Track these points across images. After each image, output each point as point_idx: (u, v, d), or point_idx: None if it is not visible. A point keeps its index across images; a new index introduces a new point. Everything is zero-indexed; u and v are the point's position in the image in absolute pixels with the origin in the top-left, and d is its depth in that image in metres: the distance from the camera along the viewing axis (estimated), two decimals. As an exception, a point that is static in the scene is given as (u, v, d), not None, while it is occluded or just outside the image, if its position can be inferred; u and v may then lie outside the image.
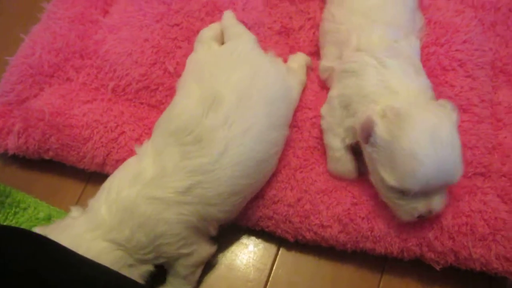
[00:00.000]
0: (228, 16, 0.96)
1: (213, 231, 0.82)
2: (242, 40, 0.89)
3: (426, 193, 0.76)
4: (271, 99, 0.83)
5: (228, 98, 0.78)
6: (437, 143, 0.73)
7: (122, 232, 0.74)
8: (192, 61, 0.89)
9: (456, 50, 0.98)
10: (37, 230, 0.76)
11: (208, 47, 0.90)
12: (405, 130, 0.74)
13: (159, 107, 0.97)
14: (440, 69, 0.97)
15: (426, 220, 0.84)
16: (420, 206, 0.77)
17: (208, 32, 0.93)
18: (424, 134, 0.73)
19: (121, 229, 0.75)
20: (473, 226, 0.84)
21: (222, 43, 0.93)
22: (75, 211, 0.80)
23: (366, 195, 0.88)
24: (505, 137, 0.93)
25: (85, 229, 0.75)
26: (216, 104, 0.78)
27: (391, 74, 0.81)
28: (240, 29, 0.94)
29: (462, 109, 0.94)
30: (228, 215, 0.82)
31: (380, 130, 0.75)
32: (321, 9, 1.03)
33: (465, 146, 0.90)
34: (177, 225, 0.76)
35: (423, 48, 0.99)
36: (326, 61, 0.93)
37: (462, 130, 0.91)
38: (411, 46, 0.87)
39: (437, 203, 0.78)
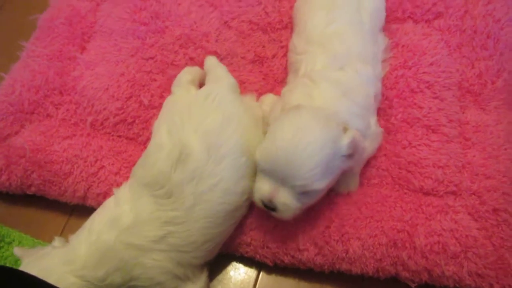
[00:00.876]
0: (211, 59, 0.99)
1: (191, 275, 0.83)
2: (219, 84, 0.90)
3: (274, 179, 0.79)
4: (241, 149, 0.82)
5: (196, 150, 0.79)
6: (296, 140, 0.76)
7: (96, 272, 0.77)
8: (168, 104, 0.91)
9: (424, 73, 1.02)
10: (16, 250, 0.81)
11: (185, 91, 0.92)
12: (283, 118, 0.80)
13: (136, 139, 0.99)
14: (408, 91, 1.01)
15: (398, 240, 0.86)
16: (264, 188, 0.79)
17: (186, 76, 0.95)
18: (292, 127, 0.77)
19: (96, 269, 0.77)
20: (445, 244, 0.87)
21: (201, 86, 0.94)
22: (57, 241, 0.83)
23: (339, 217, 0.90)
24: (474, 156, 0.95)
25: (60, 261, 0.78)
26: (184, 157, 0.79)
27: (317, 90, 0.85)
28: (221, 72, 0.94)
29: (431, 130, 0.97)
30: (203, 260, 0.84)
31: (274, 114, 0.86)
32: (293, 37, 1.06)
33: (435, 165, 0.94)
34: (153, 270, 0.79)
35: (391, 71, 1.03)
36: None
37: (432, 150, 0.95)
38: (357, 73, 0.89)
39: (281, 196, 0.79)
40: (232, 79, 0.93)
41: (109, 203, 0.84)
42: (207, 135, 0.81)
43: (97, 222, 0.80)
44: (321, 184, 0.78)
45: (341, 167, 0.81)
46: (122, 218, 0.79)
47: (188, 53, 1.04)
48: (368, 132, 0.88)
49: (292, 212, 0.81)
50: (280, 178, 0.78)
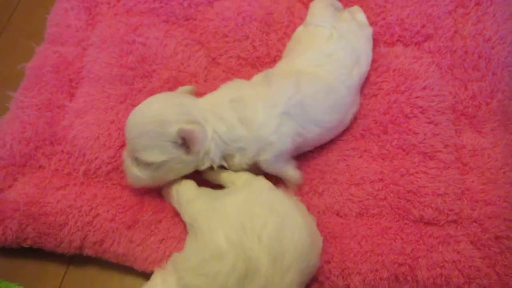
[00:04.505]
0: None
1: None
2: (261, 180, 0.86)
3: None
4: (302, 256, 0.77)
5: (265, 265, 0.72)
6: (136, 111, 0.87)
7: None
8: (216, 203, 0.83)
9: (417, 97, 1.00)
10: None
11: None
12: None
13: (131, 185, 0.98)
14: (402, 116, 0.99)
15: (400, 274, 0.85)
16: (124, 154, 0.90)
17: None
18: (147, 101, 0.88)
19: None
20: (448, 277, 0.85)
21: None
22: None
23: (339, 252, 0.89)
24: (473, 182, 0.94)
25: None
26: (252, 273, 0.72)
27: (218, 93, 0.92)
28: (245, 174, 0.90)
29: (428, 156, 0.96)
30: None
31: None
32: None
33: (435, 193, 0.92)
34: None
35: (384, 95, 1.02)
36: None
37: (430, 177, 0.93)
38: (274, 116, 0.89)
39: (127, 162, 0.90)
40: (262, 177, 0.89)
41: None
42: (272, 243, 0.73)
43: None
44: (149, 156, 0.85)
45: (179, 154, 0.85)
46: None
47: (176, 95, 1.02)
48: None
49: (135, 180, 0.90)
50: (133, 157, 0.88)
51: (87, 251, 0.95)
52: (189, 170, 0.90)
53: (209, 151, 0.87)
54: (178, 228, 0.94)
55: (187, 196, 0.89)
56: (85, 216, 0.95)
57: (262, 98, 0.88)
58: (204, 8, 1.13)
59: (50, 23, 1.13)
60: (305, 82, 0.91)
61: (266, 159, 0.88)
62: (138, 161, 0.87)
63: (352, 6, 1.14)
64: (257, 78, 0.96)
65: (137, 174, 0.89)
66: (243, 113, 0.87)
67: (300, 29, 1.05)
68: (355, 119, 1.02)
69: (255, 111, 0.87)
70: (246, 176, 0.89)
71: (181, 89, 0.95)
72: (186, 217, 0.86)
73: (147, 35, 1.08)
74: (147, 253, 0.92)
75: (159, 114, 0.84)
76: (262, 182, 0.86)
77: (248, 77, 1.04)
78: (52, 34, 1.11)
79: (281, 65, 0.99)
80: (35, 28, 1.18)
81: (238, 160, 0.88)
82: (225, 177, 0.90)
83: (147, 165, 0.87)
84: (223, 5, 1.13)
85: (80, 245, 0.95)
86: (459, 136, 0.99)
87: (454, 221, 0.91)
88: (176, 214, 0.94)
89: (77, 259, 0.98)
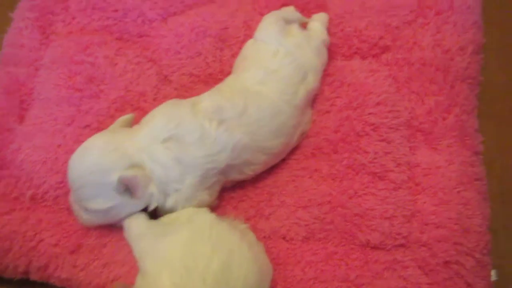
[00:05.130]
0: None
1: None
2: (205, 213, 0.84)
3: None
4: (253, 287, 0.76)
5: None
6: (75, 158, 0.86)
7: None
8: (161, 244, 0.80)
9: (369, 114, 0.96)
10: None
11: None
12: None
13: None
14: (354, 135, 0.96)
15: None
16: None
17: None
18: (85, 144, 0.87)
19: None
20: (391, 306, 0.81)
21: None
22: None
23: (283, 279, 0.86)
24: (424, 203, 0.90)
25: None
26: None
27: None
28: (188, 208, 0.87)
29: (378, 177, 0.92)
30: None
31: None
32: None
33: (382, 216, 0.89)
34: None
35: (336, 112, 0.98)
36: None
37: (379, 199, 0.90)
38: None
39: (75, 207, 0.88)
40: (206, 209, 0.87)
41: None
42: (217, 284, 0.72)
43: None
44: (94, 205, 0.84)
45: (124, 199, 0.84)
46: None
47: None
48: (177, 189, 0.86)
49: (87, 222, 0.89)
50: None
51: (33, 276, 0.94)
52: (139, 209, 0.88)
53: (153, 193, 0.85)
54: (123, 252, 0.93)
55: (136, 231, 0.87)
56: (30, 241, 0.94)
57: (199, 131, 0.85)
58: (158, 24, 1.11)
59: (6, 43, 1.12)
60: (251, 106, 0.88)
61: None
62: (85, 208, 0.86)
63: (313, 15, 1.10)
64: (203, 98, 0.92)
65: (87, 218, 0.88)
66: (177, 152, 0.84)
67: (249, 43, 1.02)
68: (307, 136, 0.98)
69: (189, 150, 0.84)
70: (188, 211, 0.86)
71: (119, 120, 0.91)
72: (135, 253, 0.85)
73: (96, 54, 1.06)
74: (91, 278, 0.91)
75: (97, 163, 0.82)
76: (204, 217, 0.83)
77: (201, 93, 1.01)
78: (7, 55, 1.11)
79: (228, 81, 0.96)
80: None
81: (174, 201, 0.86)
82: (168, 215, 0.88)
83: (95, 211, 0.86)
84: (177, 21, 1.10)
85: (25, 270, 0.94)
86: (413, 154, 0.94)
87: (402, 245, 0.87)
88: (122, 238, 0.92)
89: (26, 284, 0.98)
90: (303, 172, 0.96)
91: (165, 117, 0.86)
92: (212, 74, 1.06)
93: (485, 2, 1.07)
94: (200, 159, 0.85)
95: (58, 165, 0.98)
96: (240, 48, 1.07)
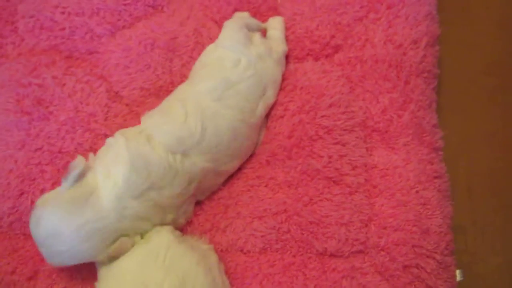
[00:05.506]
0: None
1: None
2: (163, 236, 0.80)
3: None
4: None
5: None
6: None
7: None
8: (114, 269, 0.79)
9: (322, 116, 0.93)
10: None
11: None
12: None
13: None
14: (307, 139, 0.93)
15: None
16: None
17: None
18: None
19: None
20: (350, 315, 0.78)
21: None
22: None
23: None
24: (382, 205, 0.87)
25: None
26: None
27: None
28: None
29: (333, 181, 0.89)
30: None
31: None
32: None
33: (338, 223, 0.86)
34: None
35: (289, 117, 0.95)
36: None
37: (334, 205, 0.87)
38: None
39: None
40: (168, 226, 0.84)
41: None
42: None
43: None
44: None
45: None
46: None
47: (75, 138, 0.98)
48: None
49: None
50: None
51: (-9, 307, 0.92)
52: None
53: None
54: (81, 274, 0.91)
55: None
56: (-16, 270, 0.92)
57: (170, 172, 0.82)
58: (107, 39, 1.08)
59: (-42, 70, 1.10)
60: (208, 130, 0.85)
61: None
62: None
63: (267, 20, 1.07)
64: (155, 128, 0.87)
65: None
66: (156, 199, 0.81)
67: (210, 49, 0.98)
68: (262, 143, 0.96)
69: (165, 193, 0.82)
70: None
71: (71, 176, 0.80)
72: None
73: (44, 75, 1.03)
74: (49, 304, 0.89)
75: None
76: (163, 238, 0.80)
77: (153, 107, 0.98)
78: (-44, 81, 1.08)
79: (182, 92, 0.92)
80: None
81: None
82: None
83: None
84: (125, 35, 1.08)
85: (-19, 300, 0.92)
86: (370, 155, 0.92)
87: (360, 251, 0.84)
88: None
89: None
90: (259, 181, 0.93)
91: (132, 173, 0.79)
92: (163, 87, 1.04)
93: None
94: (176, 198, 0.83)
95: (10, 190, 0.96)
96: (190, 56, 1.05)
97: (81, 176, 0.79)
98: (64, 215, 0.76)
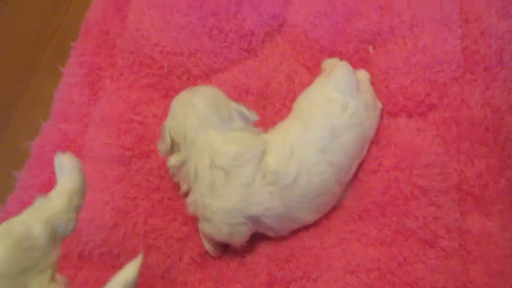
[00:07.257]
0: None
1: None
2: None
3: None
4: None
5: None
6: None
7: None
8: None
9: (418, 176, 0.95)
10: None
11: None
12: None
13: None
14: (402, 197, 0.94)
15: None
16: None
17: None
18: None
19: None
20: None
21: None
22: None
23: None
24: (477, 272, 0.87)
25: None
26: None
27: None
28: None
29: (428, 244, 0.90)
30: None
31: None
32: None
33: (433, 287, 0.86)
34: None
35: (383, 173, 0.97)
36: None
37: (429, 268, 0.88)
38: None
39: None
40: None
41: None
42: None
43: None
44: None
45: None
46: None
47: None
48: None
49: None
50: None
51: (81, 336, 0.95)
52: None
53: None
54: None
55: None
56: (77, 301, 0.95)
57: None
58: (202, 81, 1.12)
59: (57, 99, 1.16)
60: (301, 180, 0.88)
61: None
62: None
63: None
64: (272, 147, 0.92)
65: None
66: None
67: (320, 81, 0.99)
68: (354, 197, 0.97)
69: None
70: None
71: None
72: None
73: (145, 113, 1.08)
74: None
75: None
76: None
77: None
78: (57, 110, 1.14)
79: (293, 126, 0.94)
80: (46, 103, 1.18)
81: None
82: None
83: None
84: (220, 79, 1.12)
85: (73, 329, 0.95)
86: (464, 219, 0.92)
87: (455, 319, 0.84)
88: None
89: None
90: (351, 235, 0.94)
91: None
92: (256, 133, 1.06)
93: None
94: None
95: (104, 222, 1.00)
96: (283, 104, 1.08)
97: None
98: None
